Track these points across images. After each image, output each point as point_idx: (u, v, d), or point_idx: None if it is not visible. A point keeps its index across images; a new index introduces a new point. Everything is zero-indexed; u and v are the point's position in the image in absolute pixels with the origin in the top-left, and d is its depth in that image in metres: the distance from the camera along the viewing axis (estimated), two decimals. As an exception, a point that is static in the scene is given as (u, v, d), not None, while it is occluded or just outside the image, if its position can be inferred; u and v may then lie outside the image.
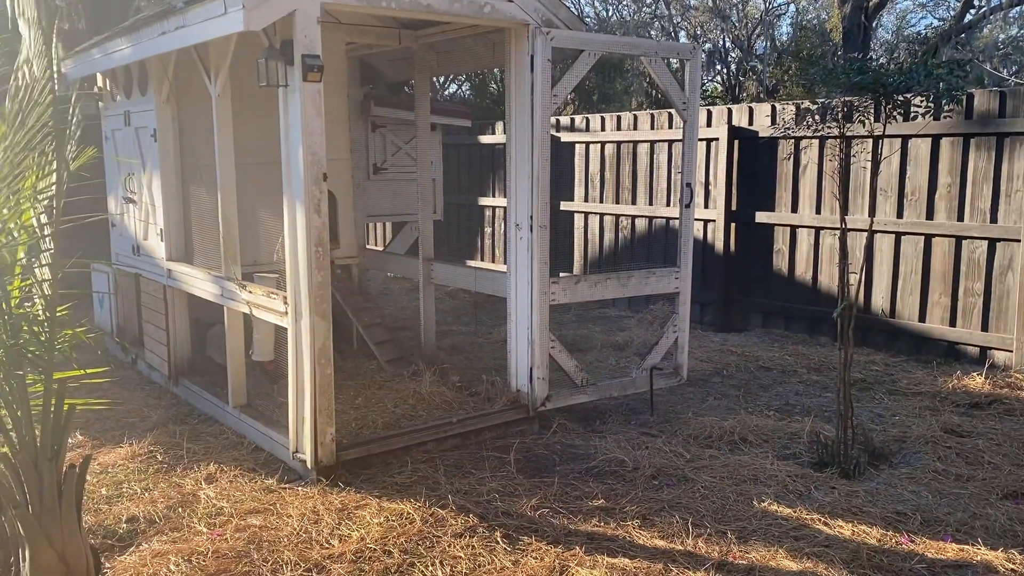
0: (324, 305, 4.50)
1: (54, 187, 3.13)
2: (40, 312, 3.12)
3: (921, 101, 4.38)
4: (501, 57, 5.41)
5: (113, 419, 5.67)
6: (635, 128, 9.32)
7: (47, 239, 3.12)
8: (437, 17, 4.95)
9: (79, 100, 3.07)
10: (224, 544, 3.83)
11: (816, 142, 7.62)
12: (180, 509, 4.26)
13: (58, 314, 3.54)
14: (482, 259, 11.35)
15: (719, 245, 8.50)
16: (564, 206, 10.06)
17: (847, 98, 5.17)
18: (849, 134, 4.60)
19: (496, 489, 4.45)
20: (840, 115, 4.31)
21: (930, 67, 3.81)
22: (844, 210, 4.71)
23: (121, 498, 4.41)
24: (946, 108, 4.24)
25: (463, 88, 23.62)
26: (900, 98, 4.42)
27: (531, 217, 5.20)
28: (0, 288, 3.06)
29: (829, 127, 4.48)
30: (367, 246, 7.88)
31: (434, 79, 20.76)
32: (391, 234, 12.02)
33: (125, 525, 4.09)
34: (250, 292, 5.05)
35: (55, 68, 2.95)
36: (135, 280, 6.82)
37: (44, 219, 3.25)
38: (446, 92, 21.96)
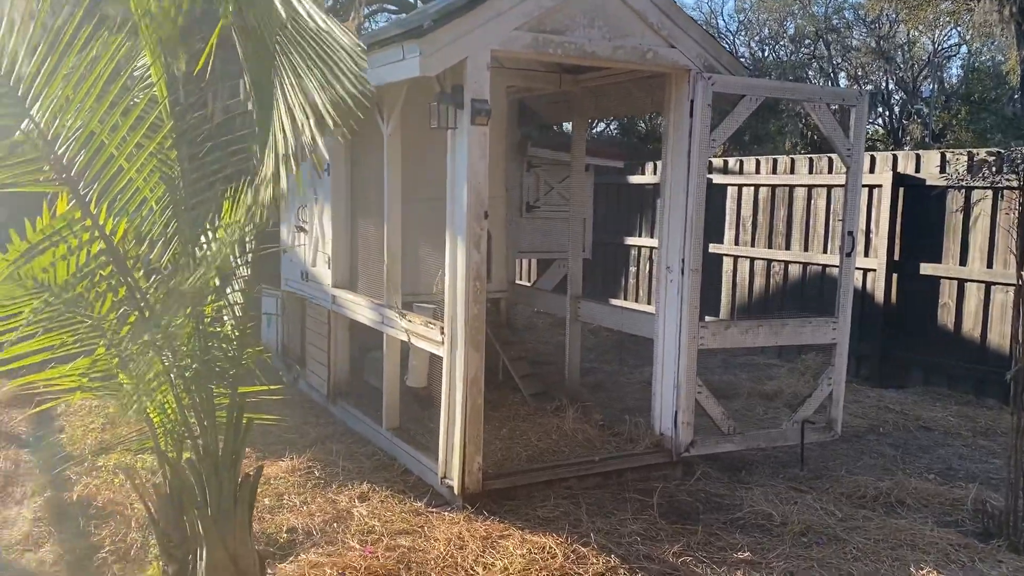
0: (479, 337, 4.67)
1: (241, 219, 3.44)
2: (230, 331, 3.42)
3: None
4: (659, 101, 5.47)
5: (275, 434, 6.04)
6: (791, 172, 9.11)
7: (245, 266, 3.41)
8: (599, 63, 5.08)
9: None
10: (375, 561, 4.01)
11: (990, 192, 7.20)
12: (335, 524, 4.49)
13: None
14: (624, 298, 11.34)
15: (879, 296, 8.14)
16: (712, 248, 9.92)
17: (1029, 148, 4.90)
18: (1030, 186, 4.36)
19: (638, 532, 4.44)
20: (1021, 167, 4.09)
21: None
22: (1022, 264, 4.44)
23: (282, 509, 4.70)
24: None
25: (611, 127, 23.80)
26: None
27: (683, 260, 5.19)
28: (195, 309, 3.38)
29: (1008, 178, 4.26)
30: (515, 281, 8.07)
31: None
32: (535, 270, 12.23)
33: (285, 535, 4.35)
34: (409, 321, 5.29)
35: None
36: (301, 304, 7.28)
37: (236, 248, 3.56)
38: (594, 131, 22.21)
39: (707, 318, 9.98)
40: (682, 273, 5.22)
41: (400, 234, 5.66)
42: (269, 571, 3.90)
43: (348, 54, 2.87)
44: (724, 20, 37.96)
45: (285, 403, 7.00)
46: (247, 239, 3.37)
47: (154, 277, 3.32)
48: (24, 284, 2.96)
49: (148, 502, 3.75)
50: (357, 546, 4.22)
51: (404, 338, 5.38)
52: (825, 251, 8.70)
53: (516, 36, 4.62)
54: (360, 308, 6.01)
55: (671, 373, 5.32)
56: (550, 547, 4.19)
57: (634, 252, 11.27)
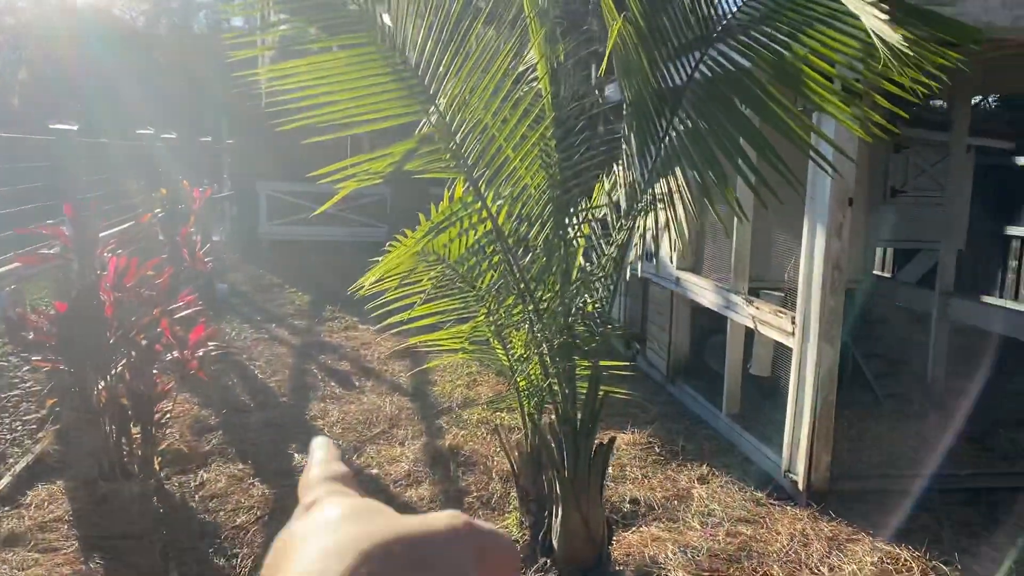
0: (834, 331, 4.45)
1: (599, 206, 3.63)
2: (591, 308, 3.64)
3: None
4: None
5: (616, 407, 6.28)
6: None
7: (609, 247, 3.60)
8: (994, 35, 4.53)
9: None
10: (716, 544, 4.05)
11: None
12: (675, 501, 4.60)
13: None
14: (1001, 296, 10.01)
15: None
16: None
17: None
18: None
19: (1018, 560, 3.97)
20: None
21: None
22: None
23: (624, 480, 4.91)
24: None
25: (988, 101, 20.93)
26: None
27: (1090, 258, 4.49)
28: (563, 287, 3.64)
29: None
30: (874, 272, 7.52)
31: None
32: (889, 260, 11.25)
33: (628, 505, 4.55)
34: (756, 308, 5.20)
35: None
36: (643, 283, 7.46)
37: (599, 231, 3.77)
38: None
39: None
40: (1087, 273, 4.51)
41: (751, 220, 5.56)
42: (614, 538, 4.12)
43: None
44: None
45: (625, 378, 7.23)
46: (612, 223, 3.55)
47: (529, 255, 3.63)
48: (427, 258, 3.42)
49: (511, 458, 4.15)
50: (698, 526, 4.28)
51: (749, 325, 5.31)
52: None
53: (896, 10, 4.28)
54: (704, 291, 6.02)
55: (1064, 387, 4.65)
56: (905, 560, 3.91)
57: (1016, 244, 9.90)
